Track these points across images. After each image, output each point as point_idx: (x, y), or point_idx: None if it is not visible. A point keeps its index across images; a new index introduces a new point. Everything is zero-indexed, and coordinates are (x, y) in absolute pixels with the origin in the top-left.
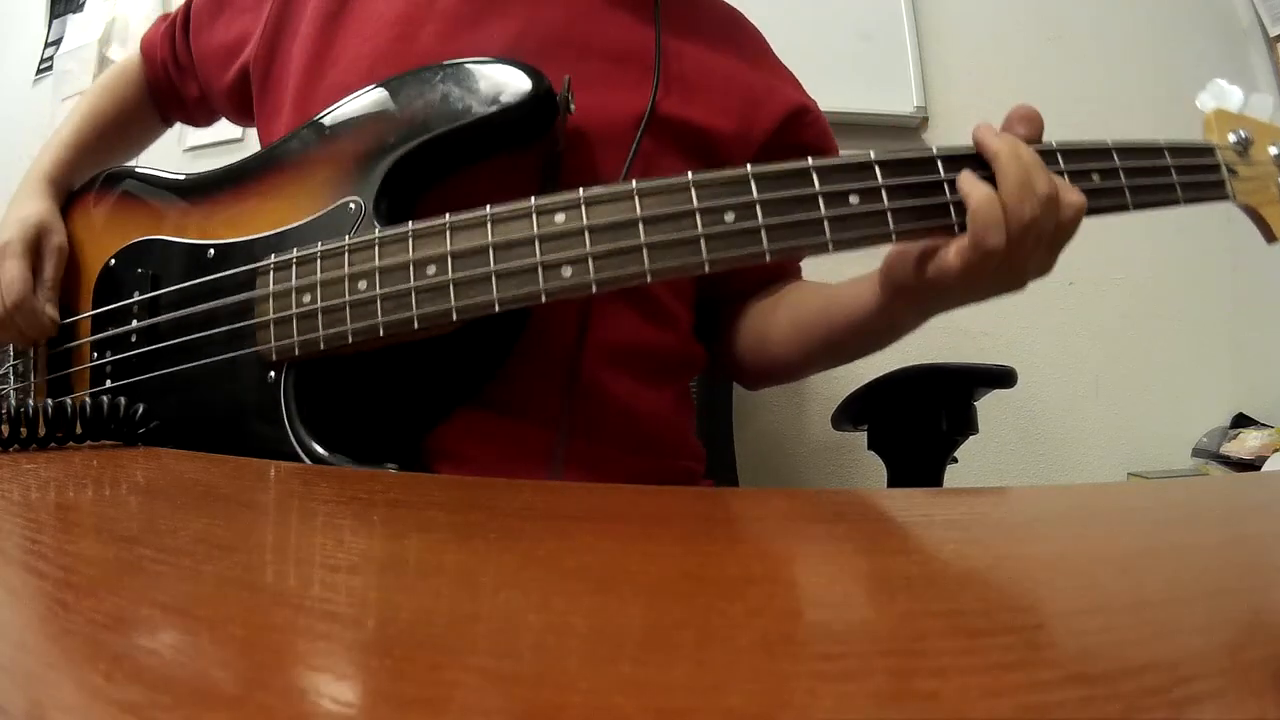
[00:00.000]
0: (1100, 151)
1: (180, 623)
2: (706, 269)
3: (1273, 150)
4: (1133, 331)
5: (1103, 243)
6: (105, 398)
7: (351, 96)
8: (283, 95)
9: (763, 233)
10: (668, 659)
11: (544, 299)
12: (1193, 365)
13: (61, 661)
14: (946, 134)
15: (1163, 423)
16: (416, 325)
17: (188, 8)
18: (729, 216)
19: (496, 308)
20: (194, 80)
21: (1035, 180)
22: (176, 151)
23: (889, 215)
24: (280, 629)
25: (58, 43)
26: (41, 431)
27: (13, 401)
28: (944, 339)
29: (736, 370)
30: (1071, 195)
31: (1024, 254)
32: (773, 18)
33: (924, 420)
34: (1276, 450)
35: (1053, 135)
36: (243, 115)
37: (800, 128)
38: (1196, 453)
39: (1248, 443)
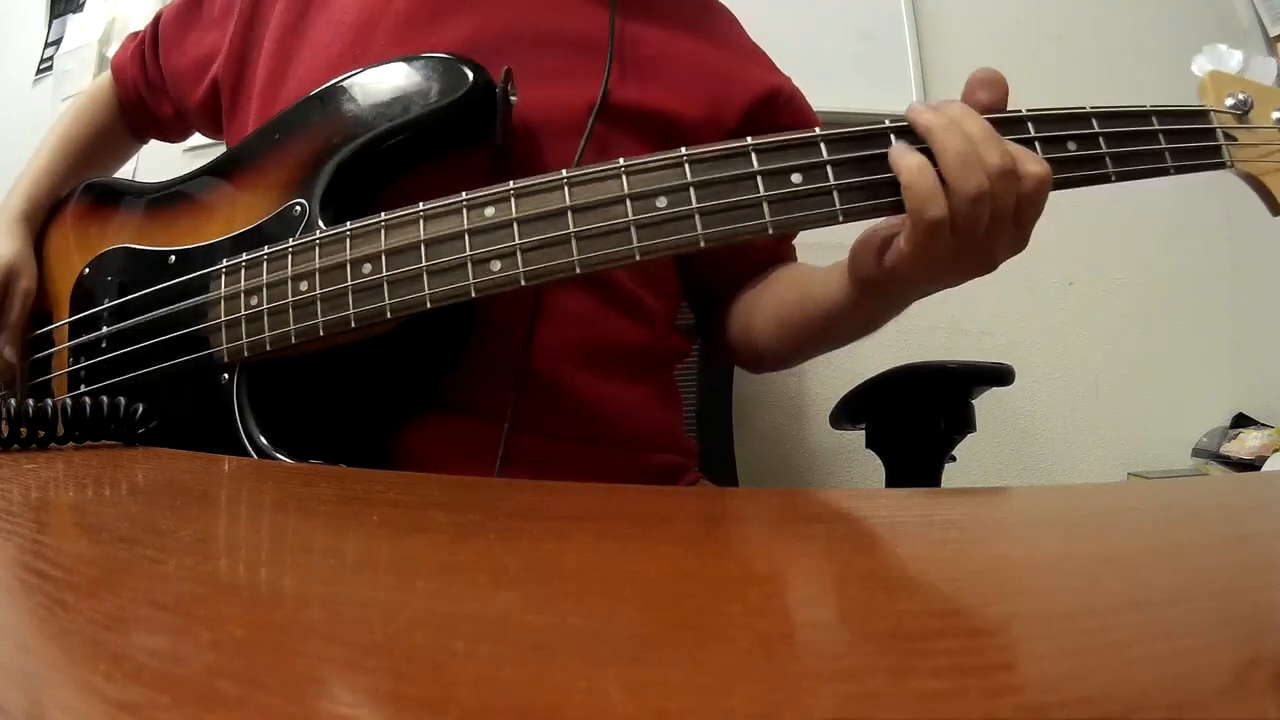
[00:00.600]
0: (1078, 117)
1: (180, 623)
2: (638, 258)
3: (1276, 115)
4: (1133, 331)
5: (1103, 242)
6: (105, 398)
7: (298, 101)
8: (249, 107)
9: (696, 218)
10: (668, 659)
11: (474, 294)
12: (1193, 365)
13: (61, 661)
14: None
15: (1163, 423)
16: (353, 325)
17: (156, 26)
18: (660, 202)
19: (429, 304)
20: (167, 98)
21: (984, 152)
22: (176, 151)
23: (835, 194)
24: (280, 629)
25: (58, 43)
26: (42, 432)
27: (13, 402)
28: (944, 339)
29: (733, 358)
30: (1031, 165)
31: (982, 230)
32: (773, 18)
33: (922, 419)
34: (1276, 450)
35: None
36: (215, 129)
37: (774, 110)
38: (1196, 453)
39: (1248, 443)
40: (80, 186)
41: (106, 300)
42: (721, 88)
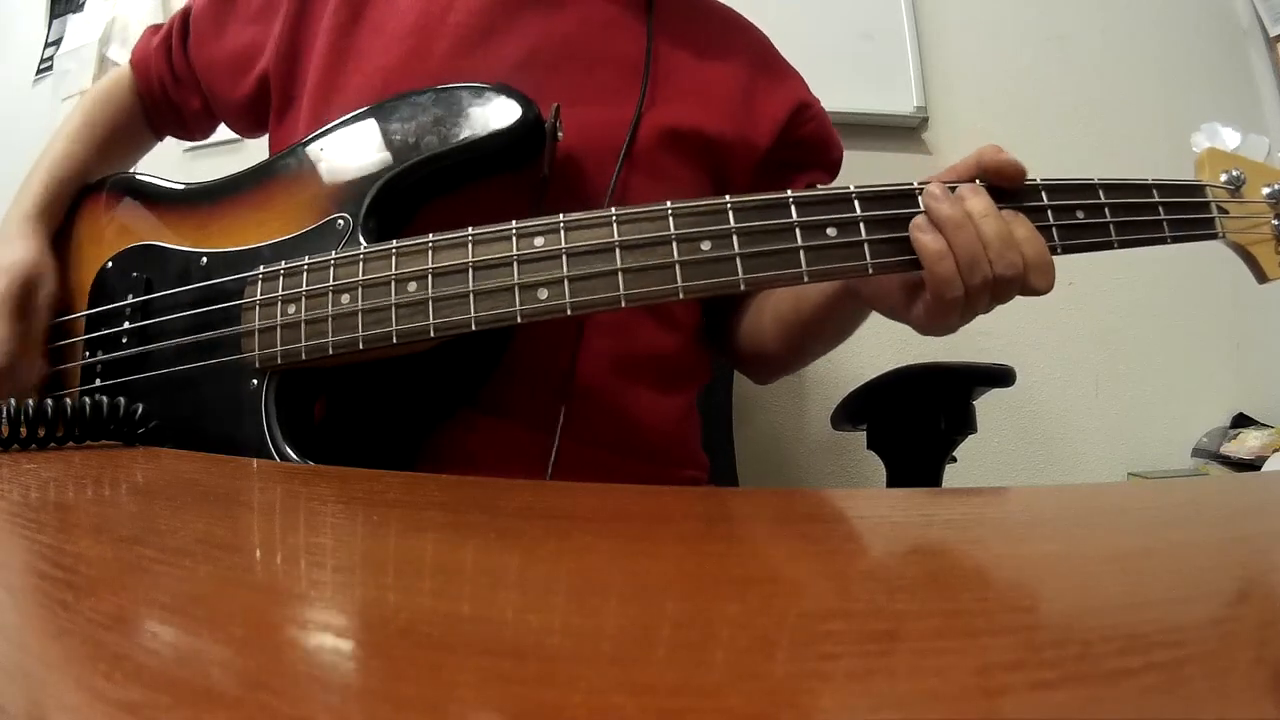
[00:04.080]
0: (1085, 188)
1: (180, 623)
2: (681, 296)
3: (1266, 190)
4: (1133, 331)
5: None
6: (105, 398)
7: (347, 116)
8: (299, 107)
9: (738, 261)
10: (668, 659)
11: (520, 320)
12: (1193, 365)
13: (61, 661)
14: (946, 134)
15: (1163, 423)
16: (395, 340)
17: (185, 20)
18: (705, 245)
19: (473, 326)
20: (195, 93)
21: (993, 254)
22: (176, 152)
23: (866, 247)
24: (280, 629)
25: (58, 43)
26: (41, 431)
27: (13, 402)
28: (944, 339)
29: (745, 368)
30: (1034, 252)
31: (985, 304)
32: (773, 18)
33: (923, 419)
34: (1276, 450)
35: (1052, 136)
36: (254, 126)
37: (801, 123)
38: (1196, 453)
39: (1248, 443)
40: (108, 179)
41: (130, 296)
42: (756, 108)
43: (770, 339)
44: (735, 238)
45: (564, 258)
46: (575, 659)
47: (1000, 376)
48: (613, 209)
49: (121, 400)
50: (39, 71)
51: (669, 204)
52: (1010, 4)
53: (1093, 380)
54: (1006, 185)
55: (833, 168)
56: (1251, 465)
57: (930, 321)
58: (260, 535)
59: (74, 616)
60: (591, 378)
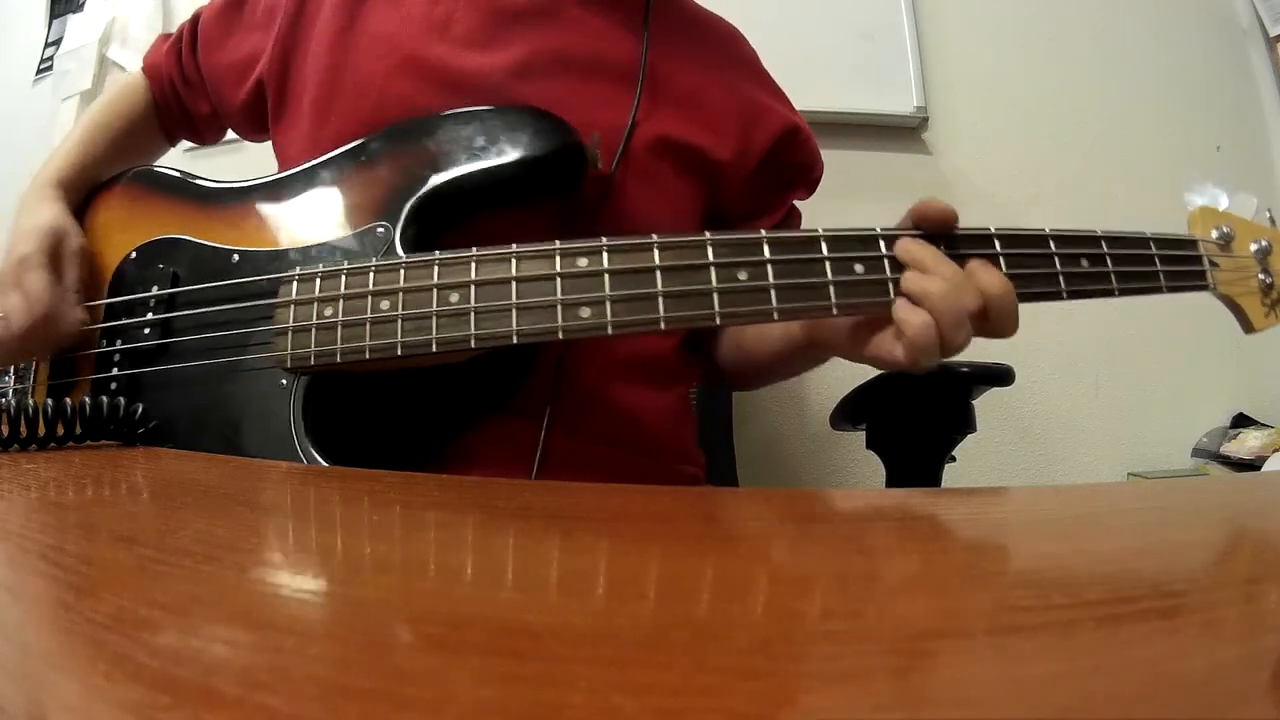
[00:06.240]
0: (1090, 239)
1: (180, 623)
2: (718, 321)
3: (1254, 246)
4: (1133, 331)
5: None
6: (105, 398)
7: (390, 127)
8: (299, 108)
9: (772, 292)
10: (668, 659)
11: (561, 336)
12: (1193, 365)
13: (62, 661)
14: (946, 134)
15: (1163, 423)
16: (435, 348)
17: (194, 26)
18: (742, 274)
19: (515, 340)
20: (204, 97)
21: (964, 305)
22: (176, 152)
23: (890, 286)
24: (280, 629)
25: (58, 43)
26: (41, 431)
27: (13, 402)
28: None
29: (721, 379)
30: (996, 289)
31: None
32: (773, 18)
33: (922, 419)
34: (1276, 450)
35: (1052, 136)
36: (256, 130)
37: (793, 147)
38: (1196, 453)
39: (1248, 443)
40: (130, 171)
41: (155, 288)
42: (749, 124)
43: (737, 364)
44: (770, 269)
45: (606, 278)
46: (575, 659)
47: (1000, 376)
48: (654, 235)
49: (121, 400)
50: (39, 71)
51: (708, 234)
52: (1010, 4)
53: (1093, 380)
54: (940, 230)
55: (813, 185)
56: (1251, 465)
57: (904, 365)
58: (260, 535)
59: (74, 616)
60: (587, 374)
